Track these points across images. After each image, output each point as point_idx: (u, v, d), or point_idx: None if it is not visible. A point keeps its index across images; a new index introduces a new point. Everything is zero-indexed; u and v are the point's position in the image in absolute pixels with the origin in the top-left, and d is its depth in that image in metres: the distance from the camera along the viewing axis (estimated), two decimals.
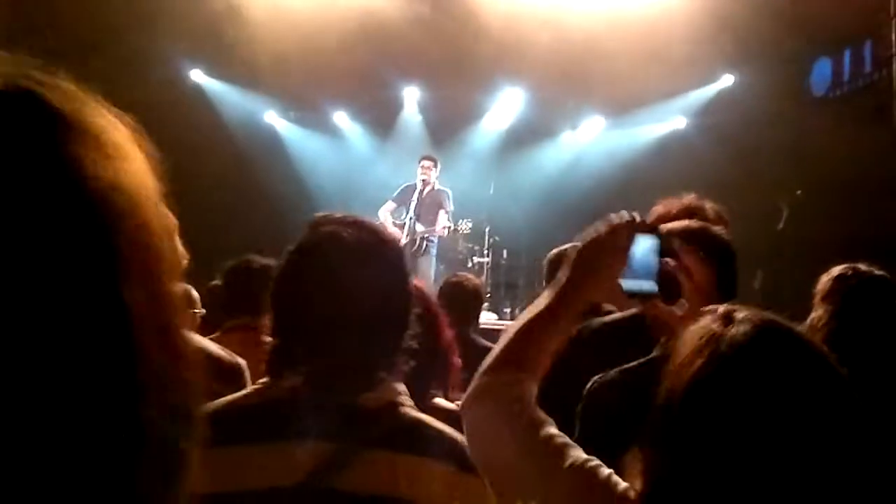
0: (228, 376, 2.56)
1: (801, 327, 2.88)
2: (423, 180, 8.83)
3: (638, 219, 1.58)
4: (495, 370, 1.51)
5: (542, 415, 1.44)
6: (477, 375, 1.53)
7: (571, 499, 1.32)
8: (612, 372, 2.04)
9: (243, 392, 1.63)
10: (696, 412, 1.15)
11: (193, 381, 0.59)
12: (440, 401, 2.35)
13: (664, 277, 1.59)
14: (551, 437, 1.39)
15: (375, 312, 1.54)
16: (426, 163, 8.98)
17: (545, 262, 3.39)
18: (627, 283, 1.56)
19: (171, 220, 0.61)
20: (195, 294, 3.57)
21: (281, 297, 1.60)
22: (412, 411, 1.60)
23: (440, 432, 1.59)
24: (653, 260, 1.58)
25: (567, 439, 1.40)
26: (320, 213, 1.65)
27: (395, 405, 1.58)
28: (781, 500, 1.09)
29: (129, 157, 0.57)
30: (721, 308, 1.24)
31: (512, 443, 1.40)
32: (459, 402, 2.34)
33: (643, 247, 1.57)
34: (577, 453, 1.36)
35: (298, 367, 1.54)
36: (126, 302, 0.53)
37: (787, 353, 1.16)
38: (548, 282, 3.30)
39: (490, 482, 1.46)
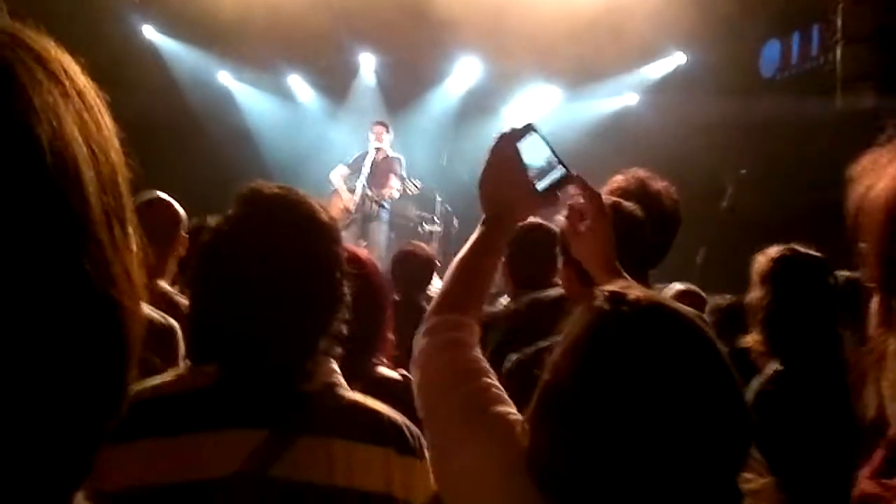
0: (160, 338, 2.52)
1: (738, 299, 2.95)
2: (376, 147, 8.85)
3: (511, 128, 1.63)
4: (436, 313, 1.55)
5: (481, 364, 1.48)
6: (425, 317, 1.58)
7: (487, 444, 1.35)
8: (530, 349, 2.07)
9: (169, 379, 1.50)
10: (578, 389, 1.18)
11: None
12: (383, 370, 2.36)
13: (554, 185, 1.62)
14: (486, 386, 1.43)
15: (299, 299, 1.47)
16: (378, 128, 9.00)
17: None
18: (541, 185, 1.60)
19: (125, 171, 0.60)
20: None
21: (199, 279, 1.52)
22: (348, 393, 1.56)
23: (378, 414, 1.55)
24: (546, 152, 1.60)
25: (502, 392, 1.44)
26: (249, 186, 1.55)
27: (330, 387, 1.53)
28: (640, 470, 1.13)
29: (90, 105, 0.56)
30: (612, 287, 1.27)
31: (446, 385, 1.44)
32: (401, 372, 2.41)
33: (531, 147, 1.60)
34: (506, 407, 1.40)
35: (220, 356, 1.47)
36: (84, 261, 0.53)
37: (671, 336, 1.19)
38: (504, 254, 3.33)
39: (425, 424, 1.47)
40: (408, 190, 8.88)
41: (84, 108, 0.56)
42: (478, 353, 1.51)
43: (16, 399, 0.49)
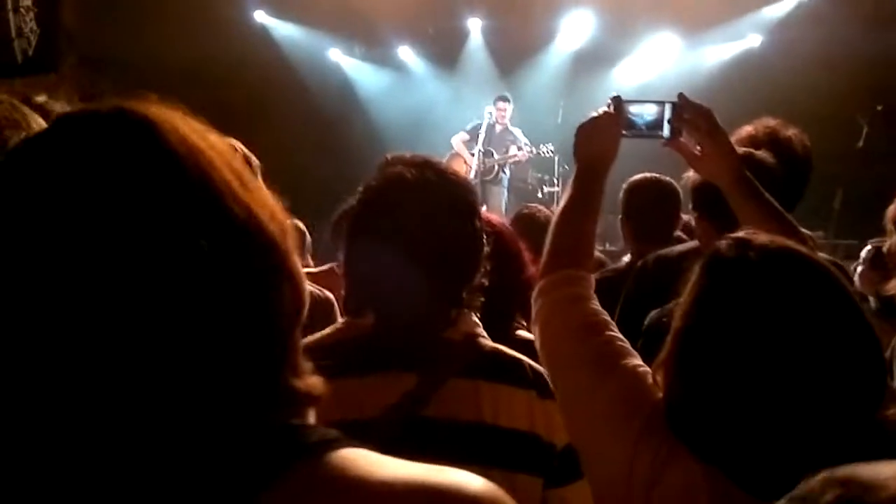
0: (322, 309, 2.73)
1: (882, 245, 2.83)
2: (496, 119, 8.91)
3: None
4: (549, 272, 1.58)
5: (603, 316, 1.50)
6: (537, 277, 1.62)
7: (617, 396, 1.37)
8: (669, 305, 2.07)
9: (328, 331, 1.65)
10: (707, 335, 1.20)
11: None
12: (523, 332, 2.35)
13: (671, 125, 1.76)
14: (611, 339, 1.46)
15: (443, 251, 1.54)
16: (501, 104, 9.13)
17: (622, 191, 3.31)
18: (665, 132, 1.76)
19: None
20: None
21: (353, 238, 1.61)
22: (490, 342, 1.63)
23: (519, 360, 1.62)
24: (648, 107, 1.77)
25: (626, 344, 1.46)
26: (390, 154, 1.65)
27: (474, 336, 1.62)
28: (776, 412, 1.14)
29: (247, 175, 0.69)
30: (738, 233, 1.27)
31: (571, 341, 1.47)
32: None
33: (637, 110, 1.77)
34: (633, 359, 1.42)
35: (375, 306, 1.58)
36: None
37: (798, 280, 1.18)
38: (624, 211, 3.29)
39: (553, 381, 1.52)
40: (541, 153, 8.85)
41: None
42: (596, 305, 1.53)
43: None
